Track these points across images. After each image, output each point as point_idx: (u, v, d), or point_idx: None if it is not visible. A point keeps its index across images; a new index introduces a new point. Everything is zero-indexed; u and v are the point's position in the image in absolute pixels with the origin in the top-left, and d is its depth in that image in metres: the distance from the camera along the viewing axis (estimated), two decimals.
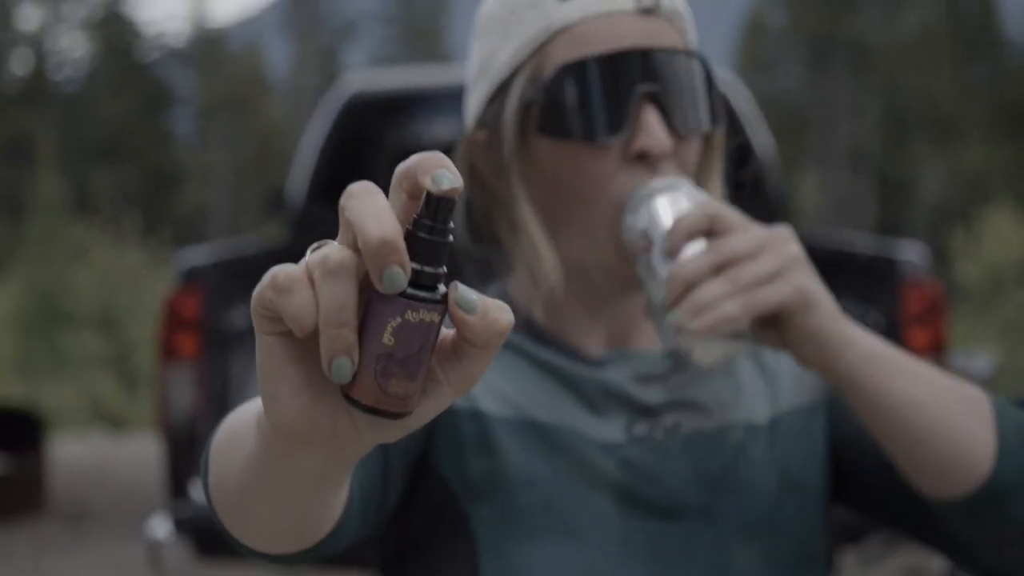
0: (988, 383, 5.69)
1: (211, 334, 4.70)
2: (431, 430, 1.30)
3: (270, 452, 0.81)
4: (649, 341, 1.38)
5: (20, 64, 42.85)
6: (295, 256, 3.26)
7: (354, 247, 0.71)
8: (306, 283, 0.71)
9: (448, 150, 1.09)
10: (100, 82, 42.74)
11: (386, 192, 0.73)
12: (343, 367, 0.70)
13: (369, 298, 0.72)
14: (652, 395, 1.33)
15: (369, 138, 5.52)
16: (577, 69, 1.28)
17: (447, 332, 0.75)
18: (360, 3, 50.13)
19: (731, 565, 1.30)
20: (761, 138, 5.05)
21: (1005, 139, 38.14)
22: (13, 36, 42.67)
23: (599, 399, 1.32)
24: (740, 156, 1.42)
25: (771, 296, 1.17)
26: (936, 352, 4.56)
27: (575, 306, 1.36)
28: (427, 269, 0.72)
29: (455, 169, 0.71)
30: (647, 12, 1.30)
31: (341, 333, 0.70)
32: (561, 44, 1.30)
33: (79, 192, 28.71)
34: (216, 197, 40.91)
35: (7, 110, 38.07)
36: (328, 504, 0.90)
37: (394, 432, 0.76)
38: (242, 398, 4.78)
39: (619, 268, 1.31)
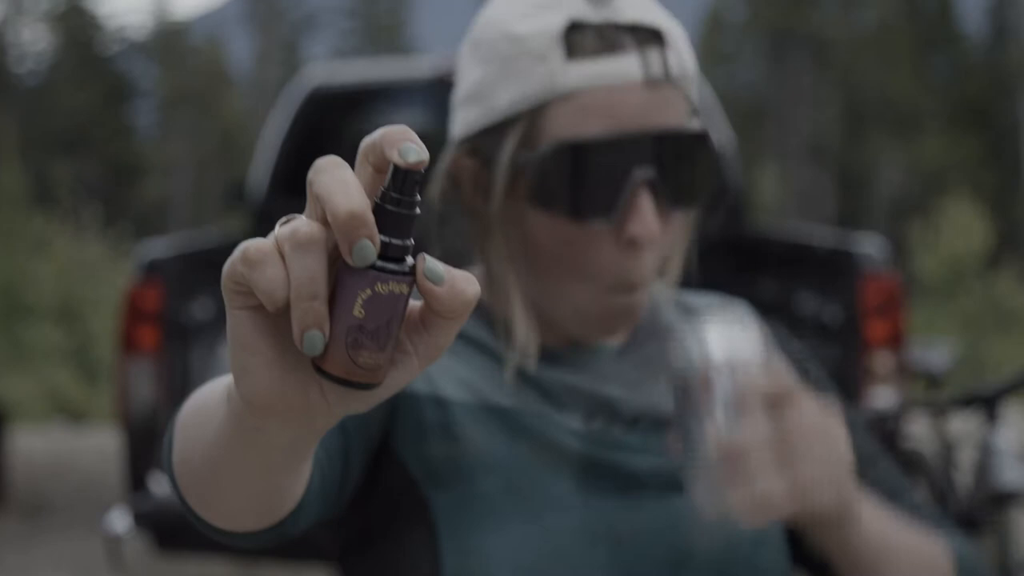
0: (946, 375, 5.71)
1: (171, 327, 4.69)
2: (392, 414, 1.30)
3: (240, 426, 0.81)
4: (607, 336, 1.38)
5: None
6: None
7: (323, 221, 0.72)
8: (277, 257, 0.71)
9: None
10: (61, 75, 42.47)
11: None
12: (315, 340, 0.71)
13: (339, 271, 0.73)
14: (610, 391, 1.34)
15: (330, 131, 5.53)
16: (574, 149, 1.24)
17: (414, 304, 0.76)
18: None
19: (693, 542, 1.30)
20: (721, 132, 5.07)
21: (963, 133, 38.34)
22: None
23: (559, 393, 1.33)
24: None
25: (818, 501, 1.13)
26: (895, 344, 4.60)
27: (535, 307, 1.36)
28: (395, 241, 0.72)
29: (420, 142, 0.72)
30: (655, 83, 1.26)
31: (313, 306, 0.71)
32: (562, 110, 1.26)
33: (40, 184, 28.46)
34: (177, 190, 40.71)
35: None
36: (294, 479, 0.91)
37: (364, 402, 0.77)
38: None
39: (601, 327, 1.32)
